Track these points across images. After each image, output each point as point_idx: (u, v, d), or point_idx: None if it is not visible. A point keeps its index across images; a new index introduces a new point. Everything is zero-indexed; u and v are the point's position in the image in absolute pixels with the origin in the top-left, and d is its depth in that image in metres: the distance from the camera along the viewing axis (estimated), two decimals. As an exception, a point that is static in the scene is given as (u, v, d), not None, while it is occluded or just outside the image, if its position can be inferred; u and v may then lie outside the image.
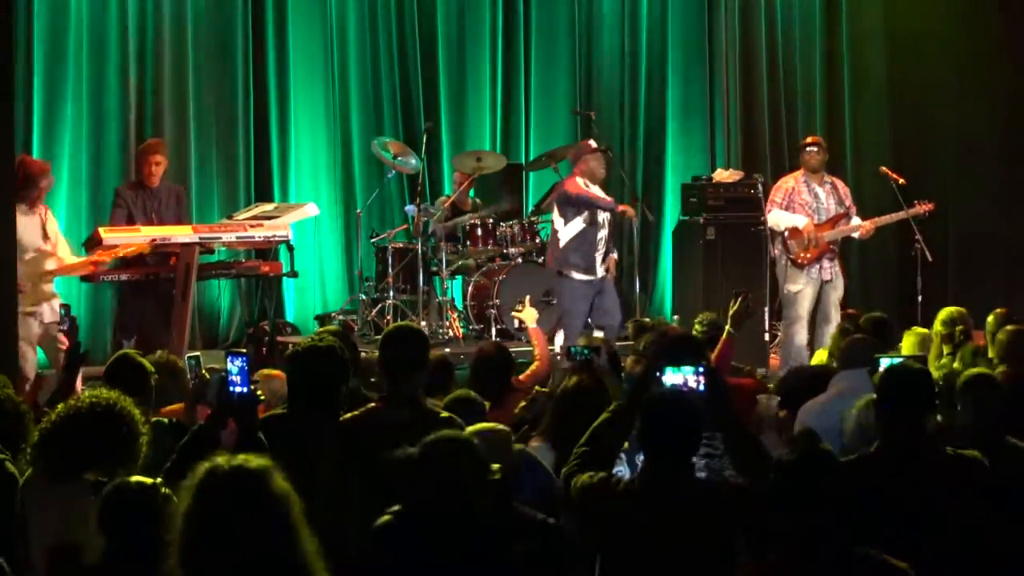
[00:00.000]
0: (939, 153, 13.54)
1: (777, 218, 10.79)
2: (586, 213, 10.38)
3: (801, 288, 10.58)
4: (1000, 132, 13.21)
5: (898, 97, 13.87)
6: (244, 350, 5.27)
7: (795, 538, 4.05)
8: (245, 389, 5.00)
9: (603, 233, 10.45)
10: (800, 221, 10.63)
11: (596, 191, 10.49)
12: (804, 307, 10.57)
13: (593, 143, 10.73)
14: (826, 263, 10.69)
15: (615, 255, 10.79)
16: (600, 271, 10.47)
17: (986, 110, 13.23)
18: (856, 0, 13.93)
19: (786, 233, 10.67)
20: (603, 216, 10.45)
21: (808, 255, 10.61)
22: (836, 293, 10.74)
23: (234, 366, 5.03)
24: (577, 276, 10.41)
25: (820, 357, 8.39)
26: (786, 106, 13.89)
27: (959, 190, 13.29)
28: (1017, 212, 13.05)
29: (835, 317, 10.53)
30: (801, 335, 10.53)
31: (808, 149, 10.85)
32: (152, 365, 6.36)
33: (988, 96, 13.24)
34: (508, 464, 4.70)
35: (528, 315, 8.76)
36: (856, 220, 10.85)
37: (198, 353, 6.49)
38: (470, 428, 4.88)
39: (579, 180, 10.45)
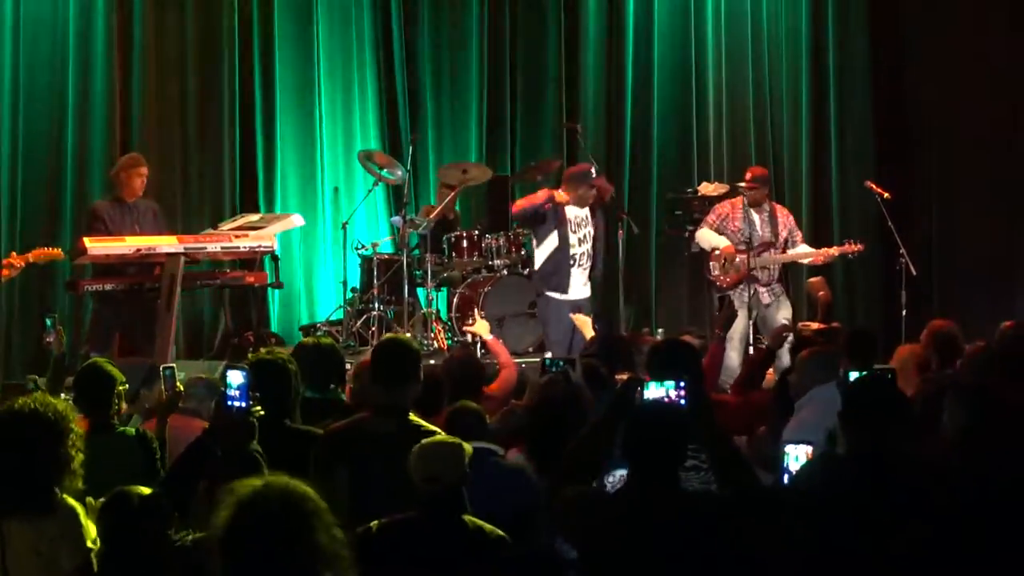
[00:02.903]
0: (924, 167, 13.57)
1: (701, 237, 10.99)
2: (556, 232, 10.42)
3: (736, 311, 10.62)
4: (986, 146, 13.23)
5: (884, 112, 13.88)
6: (244, 365, 5.27)
7: (815, 544, 4.02)
8: (244, 404, 5.00)
9: (578, 251, 10.46)
10: (720, 243, 10.74)
11: (569, 217, 10.48)
12: (737, 330, 10.56)
13: (594, 172, 10.71)
14: (762, 288, 10.74)
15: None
16: (578, 291, 10.47)
17: (971, 124, 13.26)
18: (843, 15, 13.94)
19: (711, 254, 10.80)
20: (581, 233, 10.48)
21: (728, 279, 10.71)
22: (780, 314, 10.77)
23: (234, 380, 5.03)
24: (552, 295, 10.45)
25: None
26: (772, 120, 13.90)
27: (944, 204, 13.32)
28: (1001, 225, 13.08)
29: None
30: (733, 355, 10.55)
31: (748, 188, 10.89)
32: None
33: (973, 110, 13.27)
34: (458, 477, 4.73)
35: (481, 327, 8.96)
36: (803, 248, 10.89)
37: (173, 364, 6.47)
38: (423, 442, 4.88)
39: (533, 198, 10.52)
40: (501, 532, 4.75)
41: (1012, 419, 5.67)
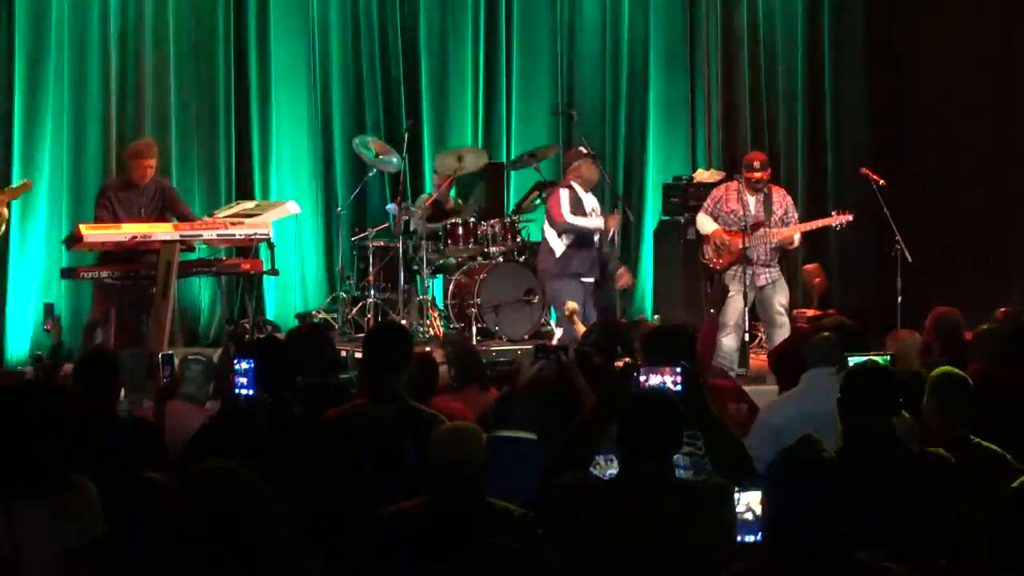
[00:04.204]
0: (919, 154, 13.57)
1: (698, 223, 11.03)
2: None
3: (733, 294, 10.63)
4: (980, 131, 13.24)
5: (880, 98, 13.89)
6: (252, 352, 5.27)
7: (793, 542, 4.00)
8: (252, 392, 5.02)
9: (598, 235, 10.64)
10: (711, 228, 10.76)
11: (586, 210, 10.57)
12: (733, 312, 10.58)
13: (584, 149, 10.85)
14: (760, 269, 10.71)
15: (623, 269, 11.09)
16: (594, 273, 10.64)
17: (966, 110, 13.26)
18: (838, 1, 13.95)
19: (705, 239, 10.86)
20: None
21: (721, 261, 10.71)
22: (777, 298, 10.74)
23: (241, 368, 5.04)
24: (572, 279, 10.56)
25: None
26: (767, 107, 13.90)
27: (939, 190, 13.32)
28: (997, 213, 13.09)
29: (780, 321, 10.60)
30: (729, 339, 10.55)
31: (749, 171, 10.84)
32: None
33: (967, 97, 13.28)
34: (477, 458, 4.74)
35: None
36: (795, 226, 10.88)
37: (172, 351, 6.49)
38: (443, 427, 4.90)
39: (564, 198, 10.53)
40: (525, 509, 4.74)
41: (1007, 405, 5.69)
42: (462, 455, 4.71)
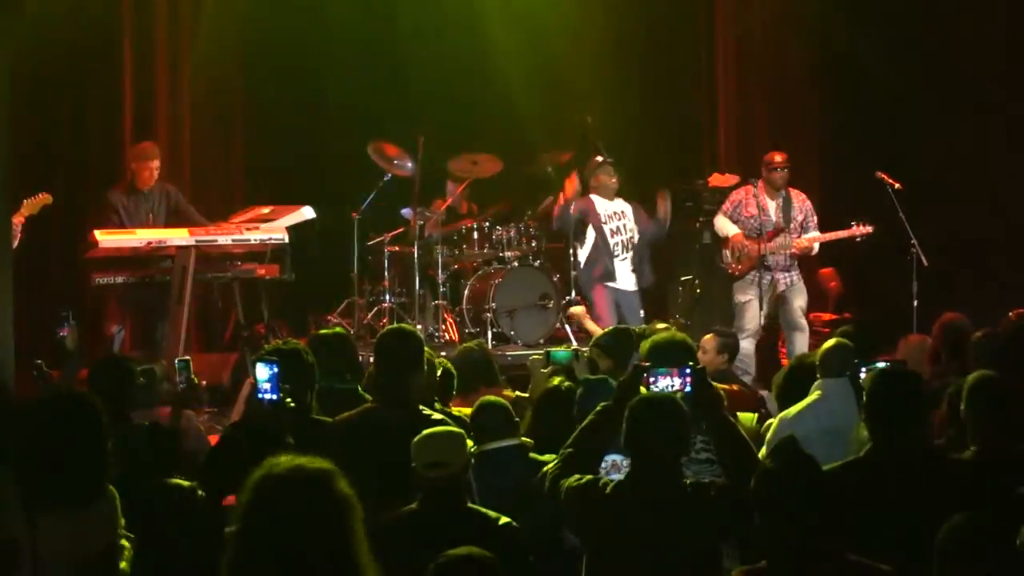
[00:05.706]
0: (934, 158, 13.53)
1: (717, 225, 11.10)
2: (591, 226, 10.64)
3: (750, 299, 10.66)
4: (996, 137, 13.20)
5: (894, 103, 13.84)
6: (274, 357, 5.28)
7: (782, 544, 4.01)
8: (275, 396, 5.04)
9: (618, 239, 10.70)
10: (731, 231, 10.77)
11: (603, 217, 10.71)
12: (751, 318, 10.60)
13: (599, 157, 10.94)
14: (779, 274, 10.72)
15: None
16: (625, 281, 10.69)
17: (982, 114, 13.23)
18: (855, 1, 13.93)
19: (723, 242, 10.84)
20: (613, 225, 10.71)
21: (740, 267, 10.73)
22: (797, 302, 10.76)
23: (264, 373, 5.06)
24: (599, 285, 10.70)
25: None
26: (784, 110, 13.87)
27: (955, 194, 13.28)
28: (1013, 216, 13.04)
29: (802, 324, 10.62)
30: (747, 343, 10.56)
31: (773, 169, 10.87)
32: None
33: (983, 101, 13.25)
34: (456, 463, 4.74)
35: (579, 311, 10.25)
36: (813, 233, 10.87)
37: (188, 357, 6.50)
38: (424, 431, 4.89)
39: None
40: (507, 519, 4.75)
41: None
42: (439, 460, 4.71)
